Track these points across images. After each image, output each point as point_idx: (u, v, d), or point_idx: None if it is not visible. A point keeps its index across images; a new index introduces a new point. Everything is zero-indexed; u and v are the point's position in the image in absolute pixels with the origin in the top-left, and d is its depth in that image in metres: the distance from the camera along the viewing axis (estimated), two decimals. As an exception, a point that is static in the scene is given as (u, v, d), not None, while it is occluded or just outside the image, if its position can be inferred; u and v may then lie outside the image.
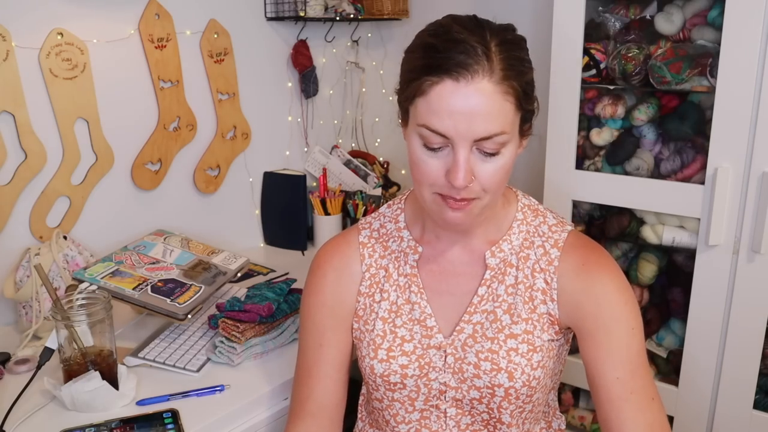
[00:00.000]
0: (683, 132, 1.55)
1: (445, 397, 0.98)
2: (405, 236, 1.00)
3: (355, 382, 1.12)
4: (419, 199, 0.92)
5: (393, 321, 0.98)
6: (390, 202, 1.06)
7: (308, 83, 2.02)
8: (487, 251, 0.96)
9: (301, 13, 1.87)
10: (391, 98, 2.27)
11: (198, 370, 1.25)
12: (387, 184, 2.17)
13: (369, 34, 2.24)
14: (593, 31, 1.61)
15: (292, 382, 1.25)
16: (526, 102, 0.85)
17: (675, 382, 1.57)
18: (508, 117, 0.82)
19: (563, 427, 1.13)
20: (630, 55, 1.52)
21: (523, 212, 0.99)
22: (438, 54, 0.81)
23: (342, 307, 1.02)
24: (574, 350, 1.54)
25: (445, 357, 0.96)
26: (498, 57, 0.80)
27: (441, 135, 0.82)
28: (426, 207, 0.91)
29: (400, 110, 0.91)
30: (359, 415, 1.15)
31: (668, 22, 1.52)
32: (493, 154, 0.83)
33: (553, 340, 0.95)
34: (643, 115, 1.58)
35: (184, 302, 1.31)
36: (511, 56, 0.81)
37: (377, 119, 2.31)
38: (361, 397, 1.16)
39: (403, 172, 2.29)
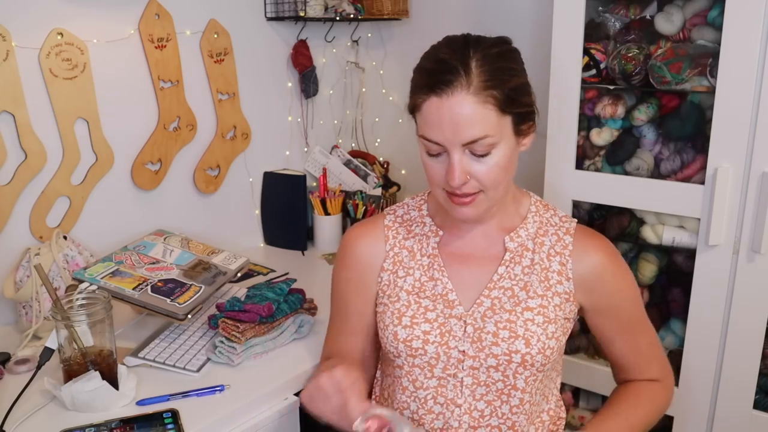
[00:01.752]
0: (683, 132, 1.55)
1: (462, 366, 1.04)
2: (428, 222, 1.13)
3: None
4: (435, 197, 1.05)
5: (417, 294, 1.09)
6: (415, 196, 1.19)
7: (308, 83, 2.02)
8: (506, 236, 1.08)
9: (301, 13, 1.87)
10: (391, 98, 2.28)
11: (198, 370, 1.25)
12: (387, 184, 2.17)
13: (369, 34, 2.24)
14: (593, 31, 1.61)
15: (296, 379, 1.27)
16: (512, 106, 0.95)
17: (675, 382, 1.57)
18: (491, 121, 0.93)
19: (563, 415, 1.19)
20: (630, 55, 1.52)
21: (536, 206, 1.12)
22: (426, 76, 0.95)
23: (365, 280, 1.14)
24: (573, 350, 1.55)
25: (465, 327, 1.05)
26: (477, 70, 0.92)
27: (435, 143, 0.95)
28: (441, 203, 1.04)
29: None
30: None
31: (668, 22, 1.52)
32: (484, 155, 0.95)
33: (567, 319, 1.07)
34: (643, 115, 1.58)
35: (184, 302, 1.31)
36: (492, 68, 0.93)
37: (377, 119, 2.31)
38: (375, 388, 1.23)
39: (403, 172, 2.29)
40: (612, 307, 1.09)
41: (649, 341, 1.14)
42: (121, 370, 1.17)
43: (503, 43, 0.98)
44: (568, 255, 1.07)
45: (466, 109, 0.92)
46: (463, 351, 1.04)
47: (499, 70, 0.94)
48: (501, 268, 1.07)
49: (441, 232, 1.10)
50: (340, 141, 2.25)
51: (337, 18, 1.96)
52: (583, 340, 1.74)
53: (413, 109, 0.98)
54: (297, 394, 1.27)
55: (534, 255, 1.07)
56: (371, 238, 1.14)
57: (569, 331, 1.09)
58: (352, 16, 1.98)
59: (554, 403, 1.15)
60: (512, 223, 1.09)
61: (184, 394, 1.17)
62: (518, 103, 0.96)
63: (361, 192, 2.07)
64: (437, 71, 0.93)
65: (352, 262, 1.15)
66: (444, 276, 1.08)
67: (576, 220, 1.12)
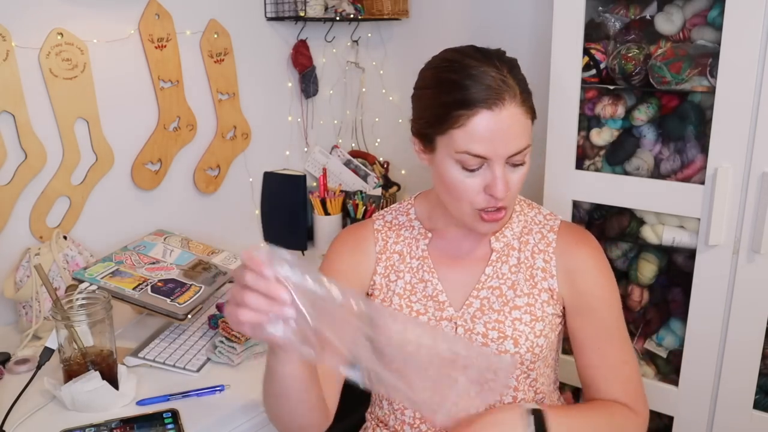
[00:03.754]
0: (683, 132, 1.55)
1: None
2: (416, 226, 1.12)
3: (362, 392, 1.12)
4: (454, 213, 1.02)
5: (408, 297, 1.08)
6: (402, 202, 1.18)
7: (308, 83, 2.02)
8: (492, 237, 1.08)
9: (301, 13, 1.87)
10: (391, 98, 2.27)
11: (198, 370, 1.25)
12: (387, 184, 2.17)
13: (369, 34, 2.24)
14: (593, 31, 1.61)
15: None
16: (534, 112, 0.97)
17: (675, 382, 1.57)
18: (529, 130, 0.96)
19: None
20: (630, 55, 1.52)
21: (520, 205, 1.12)
22: (464, 89, 0.91)
23: (357, 278, 1.11)
24: (572, 351, 1.52)
25: (456, 328, 1.05)
26: (513, 81, 0.92)
27: (481, 157, 0.93)
28: (461, 218, 1.01)
29: (419, 140, 1.01)
30: (367, 423, 1.18)
31: (668, 22, 1.52)
32: (520, 164, 0.96)
33: (555, 315, 1.06)
34: (643, 115, 1.58)
35: (184, 302, 1.31)
36: (520, 78, 0.94)
37: (377, 119, 2.31)
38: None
39: (403, 172, 2.29)
40: (589, 308, 1.05)
41: (622, 358, 1.05)
42: (121, 370, 1.17)
43: (504, 53, 0.99)
44: (551, 252, 1.07)
45: (517, 122, 0.92)
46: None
47: (525, 82, 0.96)
48: (488, 268, 1.07)
49: (430, 235, 1.10)
50: (340, 141, 2.25)
51: (337, 18, 1.96)
52: (583, 340, 1.74)
53: (448, 126, 0.93)
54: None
55: (520, 254, 1.07)
56: (362, 238, 1.13)
57: (559, 327, 1.08)
58: (352, 16, 1.98)
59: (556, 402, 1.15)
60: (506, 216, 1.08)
61: (184, 394, 1.17)
62: (535, 115, 0.98)
63: (361, 192, 2.07)
64: (478, 83, 0.91)
65: (342, 258, 1.12)
66: (434, 277, 1.08)
67: (560, 217, 1.12)
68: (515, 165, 0.96)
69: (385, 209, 1.18)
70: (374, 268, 1.11)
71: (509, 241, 1.08)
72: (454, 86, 0.92)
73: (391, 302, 1.08)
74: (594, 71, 1.59)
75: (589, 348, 1.06)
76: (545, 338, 1.04)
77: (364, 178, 2.15)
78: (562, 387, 1.84)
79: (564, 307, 1.08)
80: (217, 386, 1.20)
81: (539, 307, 1.04)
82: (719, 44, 1.35)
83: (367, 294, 1.12)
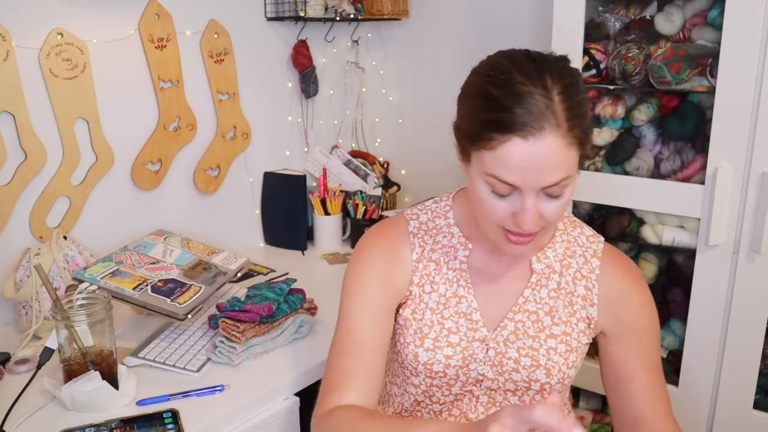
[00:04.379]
0: (683, 132, 1.55)
1: (480, 386, 1.02)
2: (455, 232, 1.04)
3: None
4: (482, 228, 0.96)
5: (441, 312, 1.02)
6: (437, 199, 1.09)
7: (308, 83, 2.02)
8: (533, 257, 1.02)
9: (301, 13, 1.87)
10: (391, 98, 2.27)
11: (198, 370, 1.25)
12: (387, 184, 2.17)
13: (369, 34, 2.24)
14: (593, 31, 1.61)
15: (297, 379, 1.26)
16: (587, 141, 0.88)
17: (675, 382, 1.57)
18: (572, 162, 0.86)
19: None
20: (630, 55, 1.52)
21: (564, 223, 1.06)
22: (503, 110, 0.83)
23: (393, 288, 1.03)
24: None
25: (487, 350, 1.01)
26: (561, 107, 0.83)
27: (509, 185, 0.86)
28: (488, 235, 0.95)
29: (457, 147, 0.94)
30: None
31: (668, 22, 1.52)
32: (558, 195, 0.88)
33: (587, 344, 1.03)
34: (643, 115, 1.58)
35: (184, 302, 1.31)
36: (573, 103, 0.84)
37: (377, 119, 2.31)
38: None
39: (403, 172, 2.29)
40: (634, 334, 1.02)
41: (667, 394, 1.02)
42: (121, 370, 1.17)
43: (568, 64, 0.89)
44: (594, 279, 1.02)
45: (554, 154, 0.83)
46: (483, 373, 1.01)
47: (579, 104, 0.85)
48: (527, 291, 1.02)
49: (470, 245, 1.03)
50: (340, 141, 2.25)
51: (337, 18, 1.96)
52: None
53: (481, 145, 0.86)
54: (297, 394, 1.27)
55: (561, 278, 1.02)
56: (397, 243, 1.05)
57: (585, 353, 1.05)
58: (352, 16, 1.98)
59: (567, 411, 1.14)
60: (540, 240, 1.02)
61: (184, 394, 1.17)
62: (591, 137, 0.89)
63: (361, 192, 2.07)
64: (518, 106, 0.82)
65: (374, 263, 1.04)
66: (470, 293, 1.02)
67: (603, 239, 1.07)
68: (553, 196, 0.87)
69: (419, 207, 1.09)
70: (410, 278, 1.03)
71: (551, 263, 1.03)
72: (493, 104, 0.84)
73: (423, 316, 1.02)
74: (594, 71, 1.59)
75: (640, 380, 1.01)
76: (575, 369, 1.01)
77: (364, 178, 2.15)
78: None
79: (601, 336, 1.04)
80: (217, 386, 1.19)
81: (575, 337, 1.01)
82: (719, 44, 1.35)
83: (400, 304, 1.05)
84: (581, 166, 0.90)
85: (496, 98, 0.84)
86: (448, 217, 1.05)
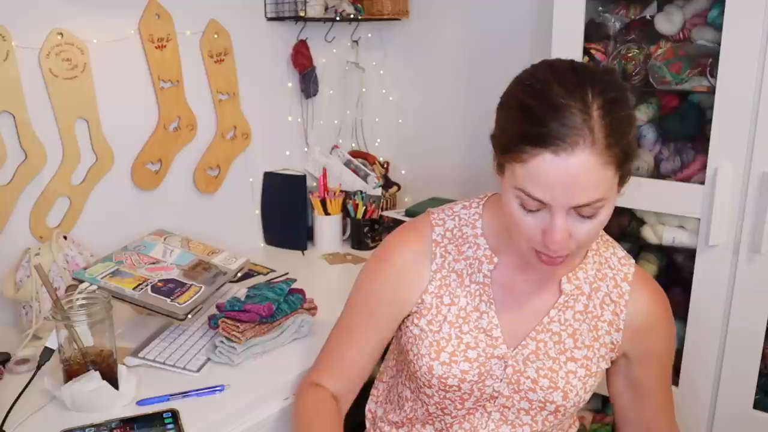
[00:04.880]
0: (683, 132, 1.55)
1: (494, 402, 1.01)
2: (481, 244, 1.00)
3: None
4: (513, 241, 0.93)
5: (460, 327, 0.99)
6: (466, 203, 1.05)
7: (308, 83, 2.02)
8: (563, 276, 0.99)
9: (301, 13, 1.87)
10: (391, 98, 2.28)
11: (198, 370, 1.25)
12: (387, 184, 2.17)
13: (369, 35, 2.24)
14: (593, 31, 1.61)
15: (297, 379, 1.26)
16: (627, 161, 0.84)
17: (675, 382, 1.57)
18: (607, 183, 0.82)
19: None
20: (630, 55, 1.52)
21: (597, 243, 1.03)
22: (536, 123, 0.79)
23: (401, 299, 1.03)
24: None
25: (505, 367, 0.98)
26: (600, 123, 0.78)
27: (538, 200, 0.82)
28: (519, 250, 0.93)
29: (494, 156, 0.91)
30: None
31: (668, 22, 1.52)
32: (590, 216, 0.84)
33: (606, 368, 1.04)
34: (643, 115, 1.58)
35: (184, 302, 1.31)
36: (614, 119, 0.80)
37: (377, 119, 2.31)
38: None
39: (403, 172, 2.29)
40: (656, 357, 1.05)
41: (673, 400, 1.10)
42: (121, 370, 1.17)
43: (615, 77, 0.85)
44: (623, 305, 1.00)
45: (588, 172, 0.79)
46: (498, 390, 0.99)
47: (620, 121, 0.80)
48: (553, 311, 0.99)
49: (496, 259, 0.99)
50: (340, 141, 2.25)
51: (337, 18, 1.96)
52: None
53: (512, 158, 0.83)
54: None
55: (589, 301, 1.00)
56: (419, 254, 1.02)
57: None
58: (352, 16, 1.98)
59: (572, 424, 1.14)
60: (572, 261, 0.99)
61: (184, 394, 1.17)
62: (633, 157, 0.84)
63: (361, 192, 2.07)
64: (552, 120, 0.78)
65: (390, 270, 1.03)
66: (491, 309, 0.98)
67: (634, 261, 1.05)
68: (584, 216, 0.83)
69: (446, 210, 1.05)
70: (426, 287, 1.01)
71: (581, 284, 1.00)
72: (528, 115, 0.81)
73: (441, 329, 0.99)
74: (594, 71, 1.58)
75: (657, 395, 1.06)
76: (591, 393, 1.01)
77: (364, 178, 2.15)
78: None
79: (621, 357, 1.05)
80: (217, 386, 1.19)
81: (595, 362, 0.99)
82: (719, 44, 1.35)
83: (412, 312, 1.02)
84: (622, 183, 0.86)
85: (531, 108, 0.81)
86: (476, 226, 1.01)
